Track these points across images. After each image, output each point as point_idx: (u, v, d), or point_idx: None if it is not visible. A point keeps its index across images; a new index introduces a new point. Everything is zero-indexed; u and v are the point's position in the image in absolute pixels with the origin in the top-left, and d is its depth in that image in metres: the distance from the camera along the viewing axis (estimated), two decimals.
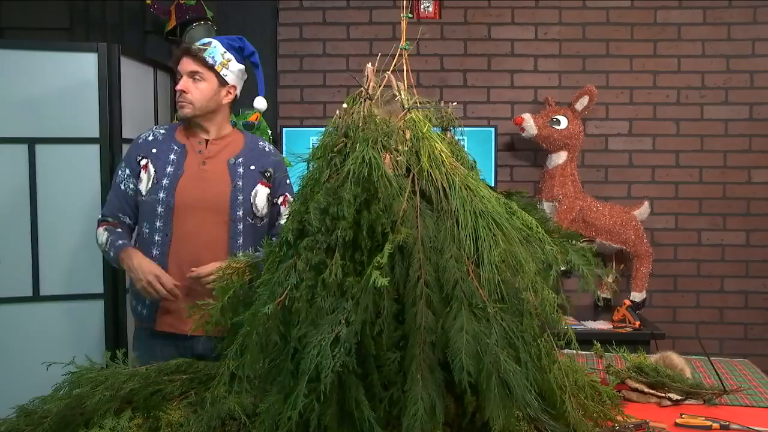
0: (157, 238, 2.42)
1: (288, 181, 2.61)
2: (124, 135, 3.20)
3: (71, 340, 3.10)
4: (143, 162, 2.47)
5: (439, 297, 1.31)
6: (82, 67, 3.11)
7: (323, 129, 1.49)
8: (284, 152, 3.69)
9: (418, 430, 1.24)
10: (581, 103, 3.68)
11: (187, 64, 2.46)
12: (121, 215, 2.51)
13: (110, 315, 3.16)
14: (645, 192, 3.90)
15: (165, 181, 2.42)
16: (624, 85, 3.91)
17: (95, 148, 3.13)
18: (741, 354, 3.04)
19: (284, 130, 3.76)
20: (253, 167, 2.52)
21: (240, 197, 2.45)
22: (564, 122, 3.67)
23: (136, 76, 3.39)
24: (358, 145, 1.37)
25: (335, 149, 1.40)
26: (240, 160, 2.51)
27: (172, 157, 2.47)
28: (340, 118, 1.46)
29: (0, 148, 3.04)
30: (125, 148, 3.21)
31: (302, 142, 3.73)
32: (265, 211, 2.52)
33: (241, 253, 2.45)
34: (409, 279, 1.32)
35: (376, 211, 1.31)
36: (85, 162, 3.12)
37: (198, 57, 2.46)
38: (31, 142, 3.07)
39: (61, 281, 3.13)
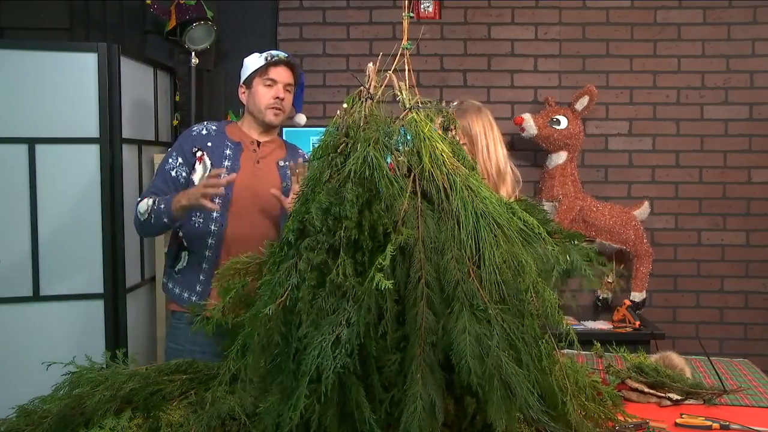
0: (212, 227, 2.48)
1: None
2: (124, 135, 3.20)
3: (71, 340, 3.10)
4: (199, 153, 2.52)
5: (440, 298, 1.31)
6: (82, 67, 3.11)
7: (323, 129, 1.49)
8: None
9: (415, 428, 1.24)
10: (581, 103, 3.68)
11: (286, 75, 2.58)
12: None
13: (110, 315, 3.16)
14: (645, 192, 3.90)
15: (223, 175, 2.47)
16: (624, 85, 3.91)
17: (95, 148, 3.13)
18: (741, 354, 3.04)
19: (284, 130, 3.76)
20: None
21: (289, 198, 2.52)
22: (564, 122, 3.67)
23: (136, 76, 3.39)
24: (359, 144, 1.36)
25: (337, 149, 1.40)
26: (287, 163, 2.62)
27: (227, 152, 2.53)
28: (340, 117, 1.46)
29: (0, 148, 3.04)
30: (125, 148, 3.23)
31: (302, 142, 3.72)
32: None
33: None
34: (410, 280, 1.32)
35: (378, 210, 1.31)
36: (85, 162, 3.12)
37: (295, 71, 2.61)
38: (31, 142, 3.07)
39: (61, 281, 3.13)
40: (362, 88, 1.48)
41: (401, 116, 1.47)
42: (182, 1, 3.53)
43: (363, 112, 1.42)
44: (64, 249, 3.12)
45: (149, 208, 2.46)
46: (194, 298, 2.51)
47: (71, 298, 3.14)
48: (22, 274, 3.08)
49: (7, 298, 3.07)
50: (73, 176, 3.12)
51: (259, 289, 1.45)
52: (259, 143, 2.60)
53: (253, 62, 2.61)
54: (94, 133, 3.13)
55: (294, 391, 1.29)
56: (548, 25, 3.91)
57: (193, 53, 3.58)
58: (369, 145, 1.34)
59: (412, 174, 1.41)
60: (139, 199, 2.54)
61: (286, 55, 2.63)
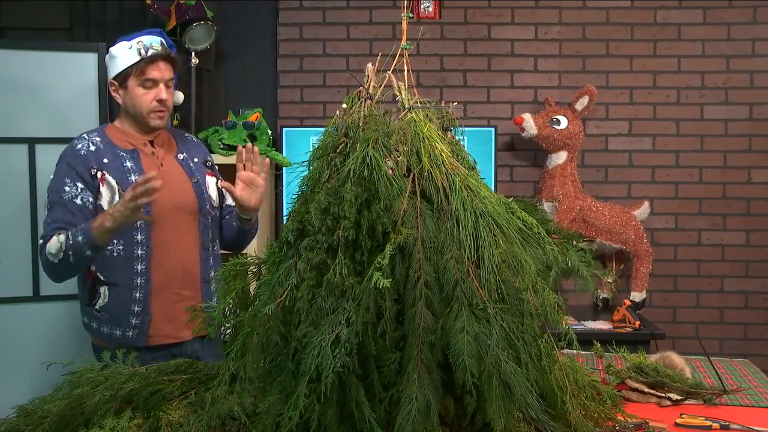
0: (139, 252, 2.27)
1: (215, 165, 2.56)
2: None
3: (71, 340, 3.10)
4: (99, 175, 2.26)
5: (439, 297, 1.31)
6: (82, 67, 3.11)
7: (323, 129, 1.49)
8: (284, 152, 3.69)
9: (409, 429, 1.24)
10: (581, 103, 3.68)
11: (166, 70, 2.32)
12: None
13: None
14: (645, 192, 3.90)
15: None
16: (624, 85, 3.91)
17: None
18: (741, 354, 3.04)
19: (284, 130, 3.76)
20: (196, 159, 2.46)
21: (203, 191, 2.40)
22: (564, 122, 3.67)
23: None
24: (358, 144, 1.37)
25: (336, 149, 1.40)
26: (185, 155, 2.43)
27: (127, 164, 2.29)
28: (340, 118, 1.46)
29: (0, 148, 3.05)
30: None
31: (302, 142, 3.73)
32: (217, 201, 2.46)
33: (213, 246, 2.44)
34: (409, 279, 1.32)
35: (377, 210, 1.31)
36: None
37: (175, 63, 2.36)
38: (31, 142, 3.07)
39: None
40: (361, 88, 1.48)
41: (401, 116, 1.48)
42: (182, 1, 3.53)
43: (362, 112, 1.43)
44: None
45: (62, 246, 2.16)
46: (131, 334, 2.27)
47: (71, 298, 3.13)
48: (22, 274, 3.08)
49: (7, 298, 3.07)
50: None
51: (259, 288, 1.45)
52: (152, 143, 2.37)
53: (123, 55, 2.28)
54: None
55: (293, 390, 1.29)
56: (548, 25, 3.91)
57: (193, 53, 3.58)
58: (368, 145, 1.35)
59: (412, 174, 1.41)
60: (42, 240, 2.23)
61: (159, 42, 2.32)
